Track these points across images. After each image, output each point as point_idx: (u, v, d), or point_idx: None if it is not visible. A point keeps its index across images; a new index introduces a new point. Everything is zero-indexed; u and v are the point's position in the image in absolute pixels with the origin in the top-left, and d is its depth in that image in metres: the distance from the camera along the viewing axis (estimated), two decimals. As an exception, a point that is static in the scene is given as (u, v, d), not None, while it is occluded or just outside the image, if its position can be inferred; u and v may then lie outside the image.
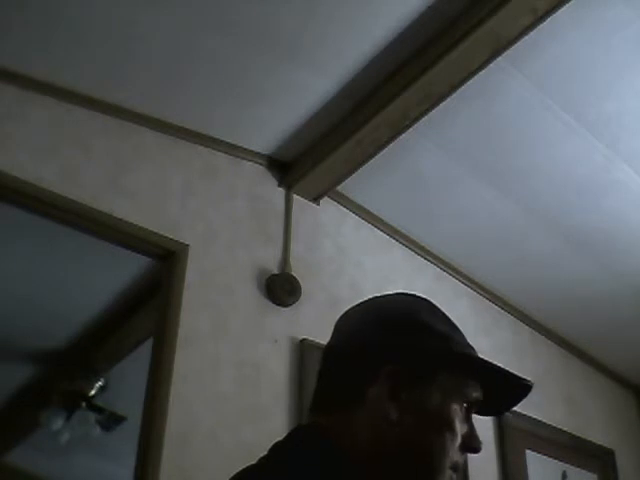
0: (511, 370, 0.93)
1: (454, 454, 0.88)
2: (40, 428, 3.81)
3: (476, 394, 0.91)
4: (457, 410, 0.89)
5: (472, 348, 0.95)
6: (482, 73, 2.21)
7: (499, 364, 0.92)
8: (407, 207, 2.89)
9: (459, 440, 0.88)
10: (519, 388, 0.94)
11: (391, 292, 1.01)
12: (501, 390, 0.94)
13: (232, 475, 0.84)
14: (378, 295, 1.00)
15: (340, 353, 0.94)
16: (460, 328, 0.96)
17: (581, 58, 2.24)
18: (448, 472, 0.87)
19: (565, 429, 3.13)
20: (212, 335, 2.32)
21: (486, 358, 0.93)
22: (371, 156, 2.54)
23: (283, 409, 2.34)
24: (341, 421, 0.88)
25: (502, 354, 3.10)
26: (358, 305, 0.99)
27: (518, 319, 3.28)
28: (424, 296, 0.98)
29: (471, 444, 0.90)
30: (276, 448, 0.88)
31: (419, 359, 0.89)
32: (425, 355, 0.89)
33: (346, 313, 0.99)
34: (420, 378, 0.88)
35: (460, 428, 0.88)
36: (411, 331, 0.91)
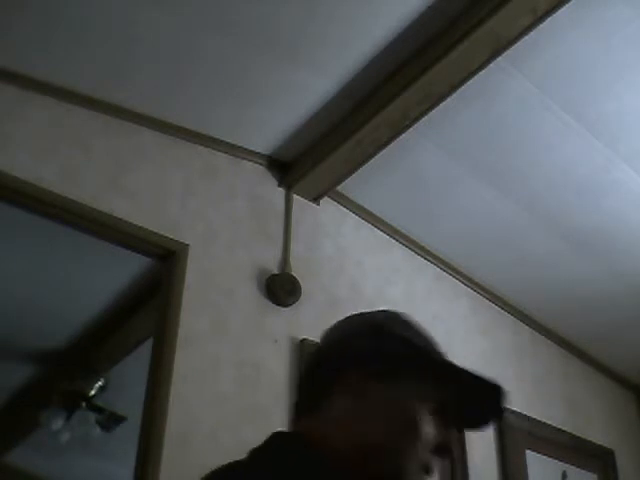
0: (484, 373, 0.92)
1: (423, 456, 0.88)
2: (40, 428, 3.81)
3: (444, 397, 0.92)
4: (423, 412, 0.89)
5: (445, 358, 0.95)
6: (482, 73, 2.21)
7: (471, 369, 0.92)
8: (407, 207, 2.89)
9: (428, 442, 0.89)
10: (492, 392, 0.93)
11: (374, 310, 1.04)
12: (478, 399, 0.93)
13: (206, 474, 0.85)
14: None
15: (312, 361, 0.98)
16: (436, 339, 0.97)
17: (581, 58, 2.24)
18: (417, 473, 0.87)
19: (565, 429, 3.13)
20: (212, 335, 2.32)
21: (456, 363, 0.93)
22: (371, 156, 2.54)
23: (283, 409, 2.33)
24: (313, 425, 0.91)
25: (502, 354, 3.10)
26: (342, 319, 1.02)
27: (518, 319, 3.28)
28: (405, 314, 1.00)
29: (441, 449, 0.90)
30: (254, 452, 0.89)
31: (383, 362, 0.91)
32: (389, 358, 0.91)
33: (328, 327, 1.02)
34: (385, 380, 0.90)
35: (429, 431, 0.89)
36: (378, 337, 0.94)
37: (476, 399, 0.93)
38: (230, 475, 0.84)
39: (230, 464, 0.86)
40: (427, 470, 0.89)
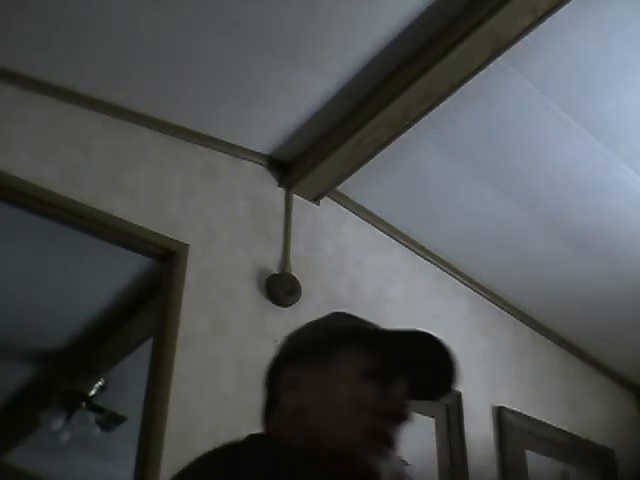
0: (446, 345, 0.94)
1: (373, 425, 0.88)
2: (40, 428, 3.81)
3: (387, 363, 0.92)
4: (364, 385, 0.90)
5: (380, 327, 0.98)
6: (482, 73, 2.21)
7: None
8: (407, 207, 2.89)
9: (375, 412, 0.89)
10: (441, 354, 0.94)
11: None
12: (426, 362, 0.94)
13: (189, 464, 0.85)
14: None
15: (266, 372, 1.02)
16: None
17: (581, 58, 2.24)
18: (363, 439, 0.87)
19: (565, 429, 3.13)
20: (212, 335, 2.32)
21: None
22: (371, 156, 2.54)
23: (283, 409, 2.33)
24: (276, 426, 0.94)
25: (502, 354, 3.10)
26: None
27: (518, 319, 3.28)
28: (351, 313, 1.03)
29: (393, 415, 0.90)
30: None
31: (314, 349, 0.95)
32: (321, 344, 0.95)
33: None
34: (319, 366, 0.93)
35: (374, 401, 0.89)
36: (312, 331, 1.00)
37: (425, 363, 0.94)
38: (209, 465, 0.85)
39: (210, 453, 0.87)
40: (382, 438, 0.88)
